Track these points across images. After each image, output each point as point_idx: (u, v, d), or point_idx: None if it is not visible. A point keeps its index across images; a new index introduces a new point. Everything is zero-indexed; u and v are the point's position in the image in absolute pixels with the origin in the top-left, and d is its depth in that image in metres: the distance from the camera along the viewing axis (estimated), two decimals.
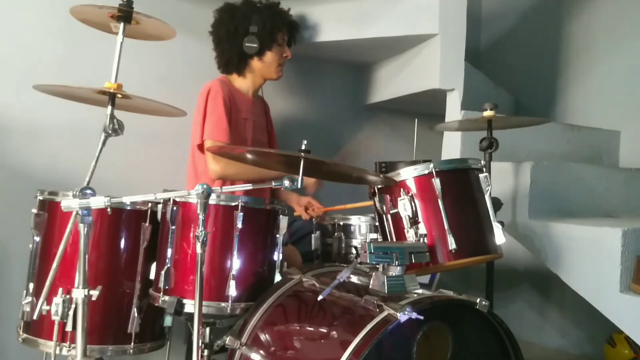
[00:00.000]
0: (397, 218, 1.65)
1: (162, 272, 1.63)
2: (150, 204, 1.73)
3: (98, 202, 1.35)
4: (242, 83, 2.35)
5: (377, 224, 1.76)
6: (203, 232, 1.35)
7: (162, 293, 1.64)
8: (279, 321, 1.53)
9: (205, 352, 1.67)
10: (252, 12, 2.28)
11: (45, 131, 2.27)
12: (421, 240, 1.58)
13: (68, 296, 1.41)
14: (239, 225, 1.61)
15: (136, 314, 1.69)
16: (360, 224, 2.05)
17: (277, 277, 1.68)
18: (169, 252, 1.65)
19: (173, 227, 1.65)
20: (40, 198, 1.76)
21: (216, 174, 2.09)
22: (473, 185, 1.68)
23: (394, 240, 1.65)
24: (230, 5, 2.33)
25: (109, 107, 1.57)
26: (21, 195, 1.91)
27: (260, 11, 2.29)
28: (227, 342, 1.54)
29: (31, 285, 1.72)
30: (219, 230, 1.63)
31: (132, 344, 1.69)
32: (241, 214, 1.61)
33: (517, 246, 2.16)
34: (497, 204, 1.75)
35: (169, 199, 1.65)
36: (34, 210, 1.74)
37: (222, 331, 1.66)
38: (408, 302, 1.31)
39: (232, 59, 2.31)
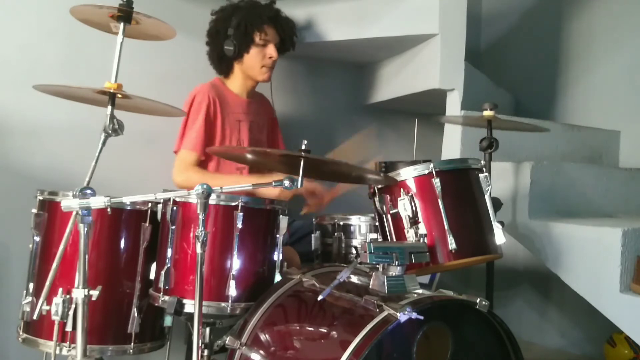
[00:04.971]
0: (397, 218, 1.65)
1: (162, 272, 1.63)
2: (150, 204, 1.73)
3: (98, 202, 1.35)
4: (233, 84, 2.34)
5: (377, 224, 1.76)
6: (203, 232, 1.34)
7: (162, 293, 1.64)
8: (279, 321, 1.53)
9: (205, 352, 1.67)
10: (232, 13, 2.23)
11: (45, 131, 2.27)
12: (421, 240, 1.57)
13: (68, 296, 1.41)
14: (239, 225, 1.61)
15: (136, 314, 1.69)
16: (360, 224, 2.04)
17: (277, 277, 1.68)
18: (169, 252, 1.65)
19: (173, 227, 1.65)
20: (40, 198, 1.76)
21: (176, 184, 2.14)
22: (473, 185, 1.67)
23: (394, 240, 1.65)
24: (222, 7, 2.30)
25: (109, 107, 1.57)
26: (21, 195, 1.91)
27: (238, 12, 2.23)
28: (227, 342, 1.54)
29: (31, 285, 1.72)
30: (219, 230, 1.63)
31: (132, 344, 1.69)
32: (241, 214, 1.61)
33: (517, 246, 2.16)
34: (497, 204, 1.75)
35: (169, 199, 1.65)
36: (34, 210, 1.74)
37: (222, 331, 1.66)
38: (408, 302, 1.31)
39: (214, 61, 2.32)
